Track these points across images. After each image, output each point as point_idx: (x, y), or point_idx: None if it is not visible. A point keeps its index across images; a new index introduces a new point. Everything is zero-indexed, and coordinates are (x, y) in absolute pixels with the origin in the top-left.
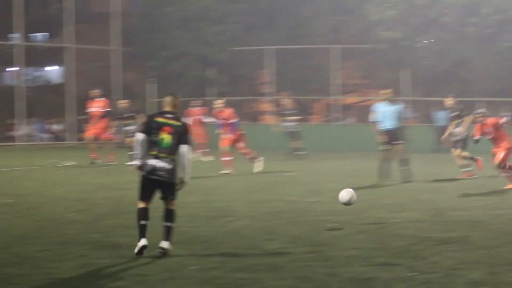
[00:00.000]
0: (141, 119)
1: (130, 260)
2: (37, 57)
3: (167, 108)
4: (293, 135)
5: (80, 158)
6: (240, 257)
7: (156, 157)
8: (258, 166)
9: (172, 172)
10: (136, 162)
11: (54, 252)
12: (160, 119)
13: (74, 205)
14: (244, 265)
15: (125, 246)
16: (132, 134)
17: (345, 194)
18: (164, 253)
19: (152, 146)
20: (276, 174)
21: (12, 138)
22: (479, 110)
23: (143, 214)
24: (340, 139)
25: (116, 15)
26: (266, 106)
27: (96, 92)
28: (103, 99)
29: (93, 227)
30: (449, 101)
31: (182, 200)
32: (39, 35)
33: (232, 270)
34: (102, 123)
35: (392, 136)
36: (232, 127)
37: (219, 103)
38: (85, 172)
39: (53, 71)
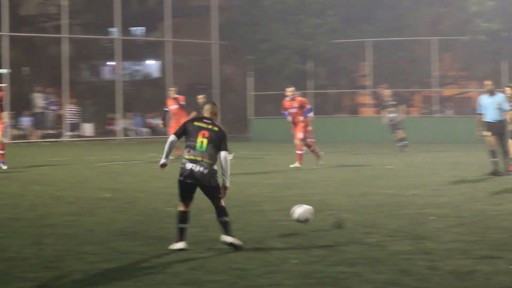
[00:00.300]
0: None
1: (230, 255)
2: (135, 51)
3: (206, 115)
4: (395, 126)
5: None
6: (340, 251)
7: (193, 161)
8: (297, 165)
9: (209, 176)
10: (162, 161)
11: (153, 247)
12: (198, 124)
13: (172, 200)
14: (344, 258)
15: None
16: None
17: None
18: (234, 246)
19: (189, 150)
20: (375, 167)
21: (112, 132)
22: None
23: (183, 217)
24: (439, 131)
25: (214, 8)
26: (365, 98)
27: (173, 89)
28: (178, 95)
29: (192, 222)
30: (508, 91)
31: (281, 194)
32: (137, 29)
33: (332, 264)
34: (183, 120)
35: (494, 129)
36: (305, 113)
37: (289, 91)
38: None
39: (151, 65)
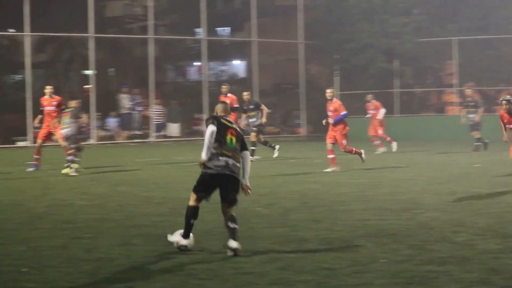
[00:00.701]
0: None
1: (317, 254)
2: (221, 52)
3: (223, 114)
4: (472, 126)
5: (264, 152)
6: (429, 250)
7: (225, 155)
8: (363, 158)
9: (239, 170)
10: (203, 154)
11: (241, 246)
12: (225, 122)
13: (260, 199)
14: (432, 257)
15: (312, 240)
16: (254, 127)
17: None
18: (236, 253)
19: (219, 145)
20: (461, 166)
21: (198, 133)
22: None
23: (195, 213)
24: None
25: (300, 8)
26: (451, 97)
27: (225, 87)
28: (230, 95)
29: (280, 221)
30: None
31: (368, 193)
32: (223, 30)
33: (421, 263)
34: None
35: None
36: (337, 118)
37: (328, 92)
38: (269, 166)
39: (237, 65)
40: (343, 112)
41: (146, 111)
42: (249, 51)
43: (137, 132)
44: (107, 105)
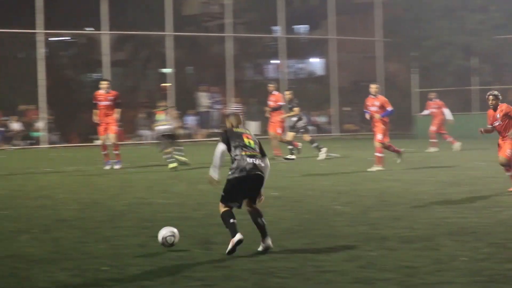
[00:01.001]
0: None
1: (398, 252)
2: (299, 49)
3: (235, 125)
4: None
5: (343, 150)
6: (509, 248)
7: (251, 156)
8: (378, 168)
9: (264, 169)
10: (214, 173)
11: (322, 245)
12: (238, 130)
13: (339, 197)
14: None
15: (392, 238)
16: (301, 129)
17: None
18: (268, 249)
19: (242, 148)
20: None
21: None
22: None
23: (230, 213)
24: None
25: (378, 5)
26: None
27: (272, 86)
28: (275, 93)
29: (360, 219)
30: None
31: (448, 191)
32: (300, 27)
33: (502, 261)
34: (276, 118)
35: None
36: (384, 113)
37: (373, 87)
38: (347, 164)
39: (315, 63)
40: (390, 108)
41: (224, 109)
42: (327, 49)
43: (216, 130)
44: (186, 103)
